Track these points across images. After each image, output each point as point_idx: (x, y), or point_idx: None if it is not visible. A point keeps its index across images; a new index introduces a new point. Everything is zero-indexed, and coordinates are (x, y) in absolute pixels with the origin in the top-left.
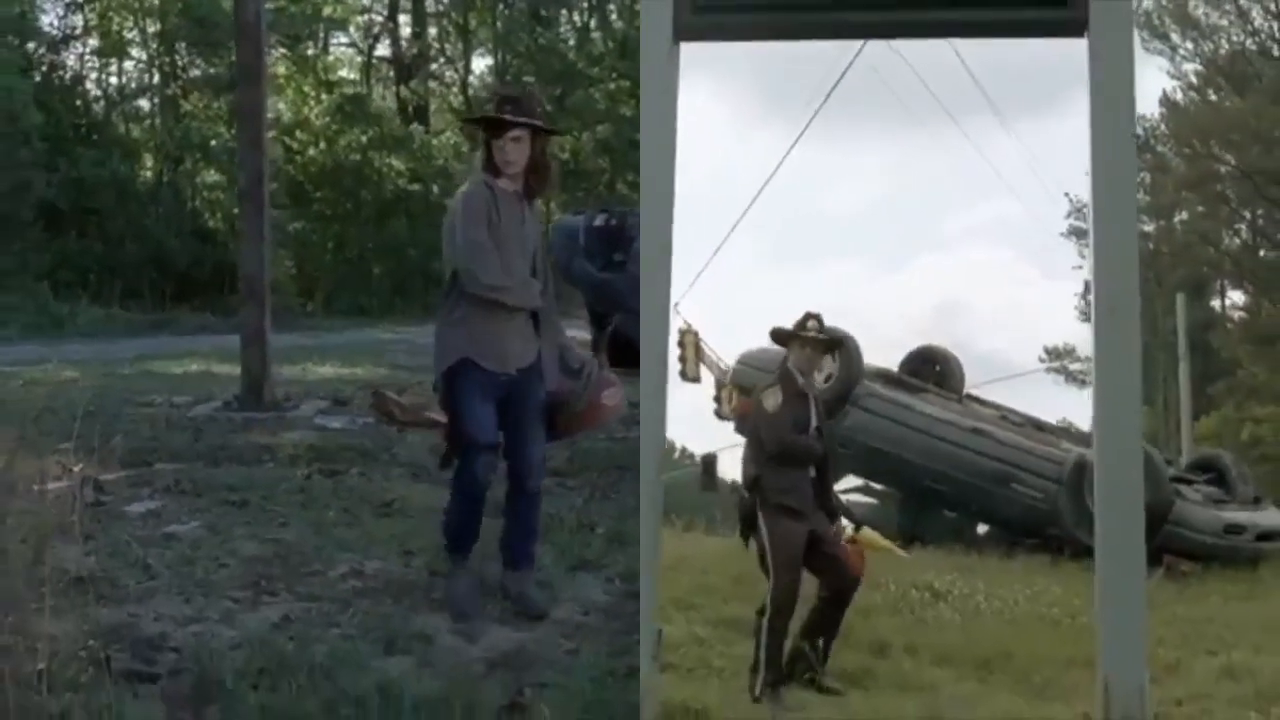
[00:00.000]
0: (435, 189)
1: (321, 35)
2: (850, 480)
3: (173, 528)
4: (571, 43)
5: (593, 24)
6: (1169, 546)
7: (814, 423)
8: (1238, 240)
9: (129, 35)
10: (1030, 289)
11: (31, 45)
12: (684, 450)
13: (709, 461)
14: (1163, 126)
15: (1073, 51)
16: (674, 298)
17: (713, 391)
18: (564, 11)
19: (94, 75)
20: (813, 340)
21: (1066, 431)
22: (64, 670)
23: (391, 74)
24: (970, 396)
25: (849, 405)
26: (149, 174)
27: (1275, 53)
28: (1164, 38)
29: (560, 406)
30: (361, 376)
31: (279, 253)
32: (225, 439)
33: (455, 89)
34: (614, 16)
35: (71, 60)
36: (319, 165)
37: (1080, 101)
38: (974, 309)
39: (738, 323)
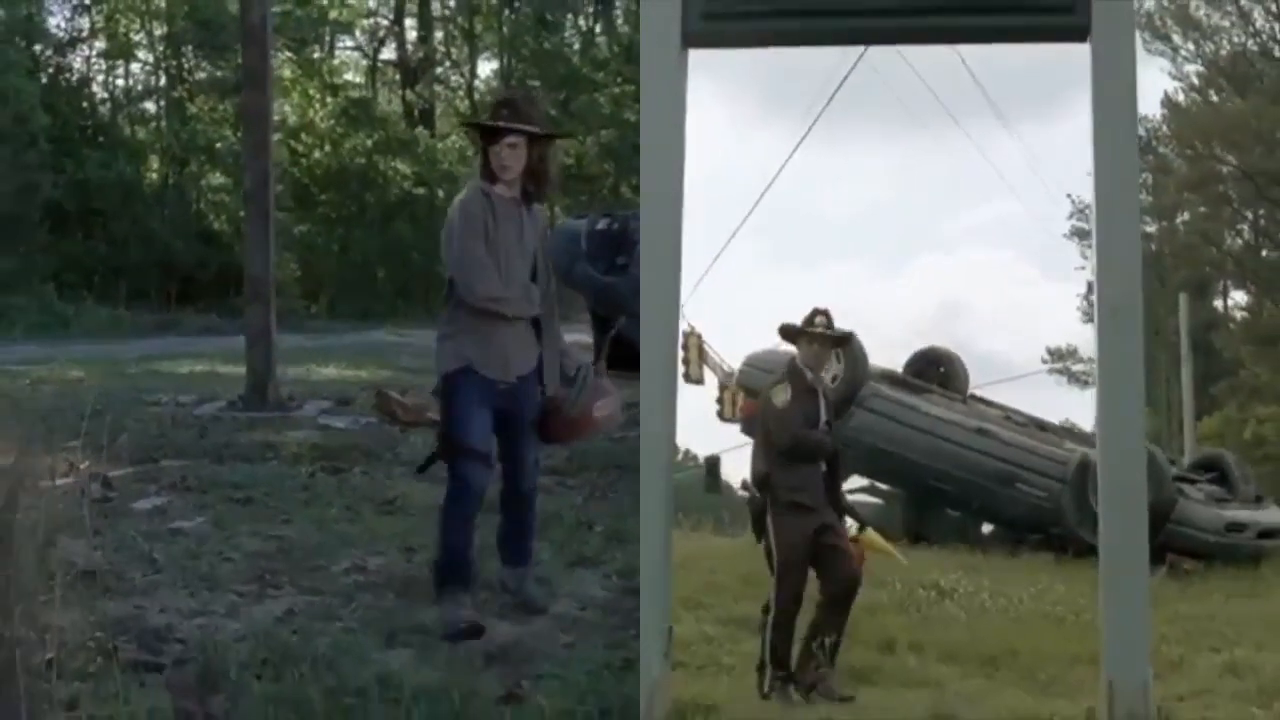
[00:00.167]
0: (440, 193)
1: (327, 39)
2: (856, 480)
3: (178, 523)
4: (576, 47)
5: (598, 29)
6: (1172, 545)
7: (824, 418)
8: (1240, 241)
9: (136, 38)
10: (1032, 290)
11: (39, 47)
12: (687, 452)
13: (713, 463)
14: (1164, 127)
15: (1074, 53)
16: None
17: (715, 393)
18: (569, 16)
19: (100, 77)
20: (820, 336)
21: (1070, 432)
22: (72, 660)
23: (397, 78)
24: (974, 397)
25: (854, 406)
26: (155, 176)
27: (1277, 53)
28: (1165, 39)
29: (552, 413)
30: (365, 378)
31: (284, 255)
32: (230, 437)
33: (461, 93)
34: (619, 21)
35: (78, 62)
36: (324, 168)
37: (1082, 102)
38: (976, 310)
39: (740, 324)
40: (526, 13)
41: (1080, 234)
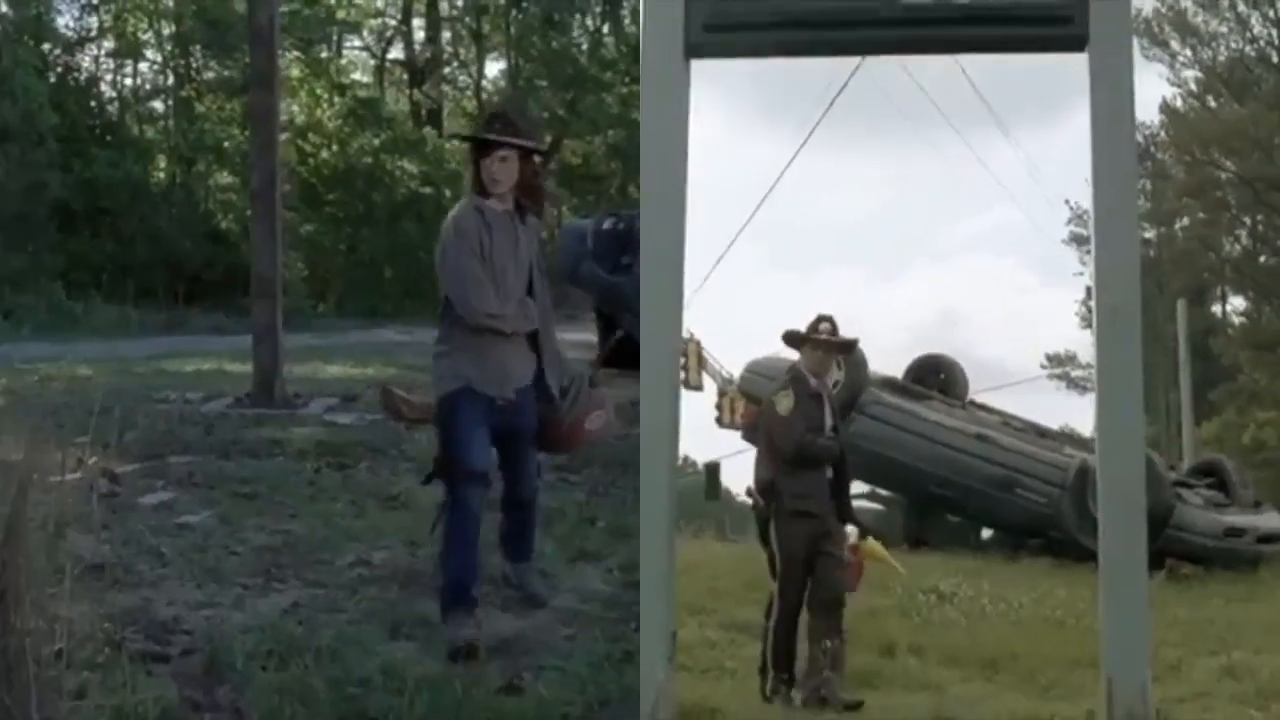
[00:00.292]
0: (447, 193)
1: (335, 38)
2: (857, 486)
3: (185, 518)
4: (584, 47)
5: (605, 29)
6: (1171, 550)
7: (829, 424)
8: (1238, 246)
9: (144, 37)
10: (1031, 296)
11: (47, 46)
12: (686, 459)
13: (712, 469)
14: (1163, 134)
15: (1072, 60)
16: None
17: (714, 400)
18: (577, 16)
19: (109, 77)
20: (826, 343)
21: (1069, 437)
22: (80, 650)
23: (405, 78)
24: (974, 403)
25: (855, 412)
26: (162, 175)
27: (1274, 60)
28: (1163, 45)
29: (545, 425)
30: (371, 376)
31: (291, 254)
32: (237, 434)
33: (468, 93)
34: (627, 22)
35: (87, 62)
36: (331, 168)
37: (1080, 108)
38: (975, 316)
39: (739, 330)
40: (534, 13)
41: (1079, 240)
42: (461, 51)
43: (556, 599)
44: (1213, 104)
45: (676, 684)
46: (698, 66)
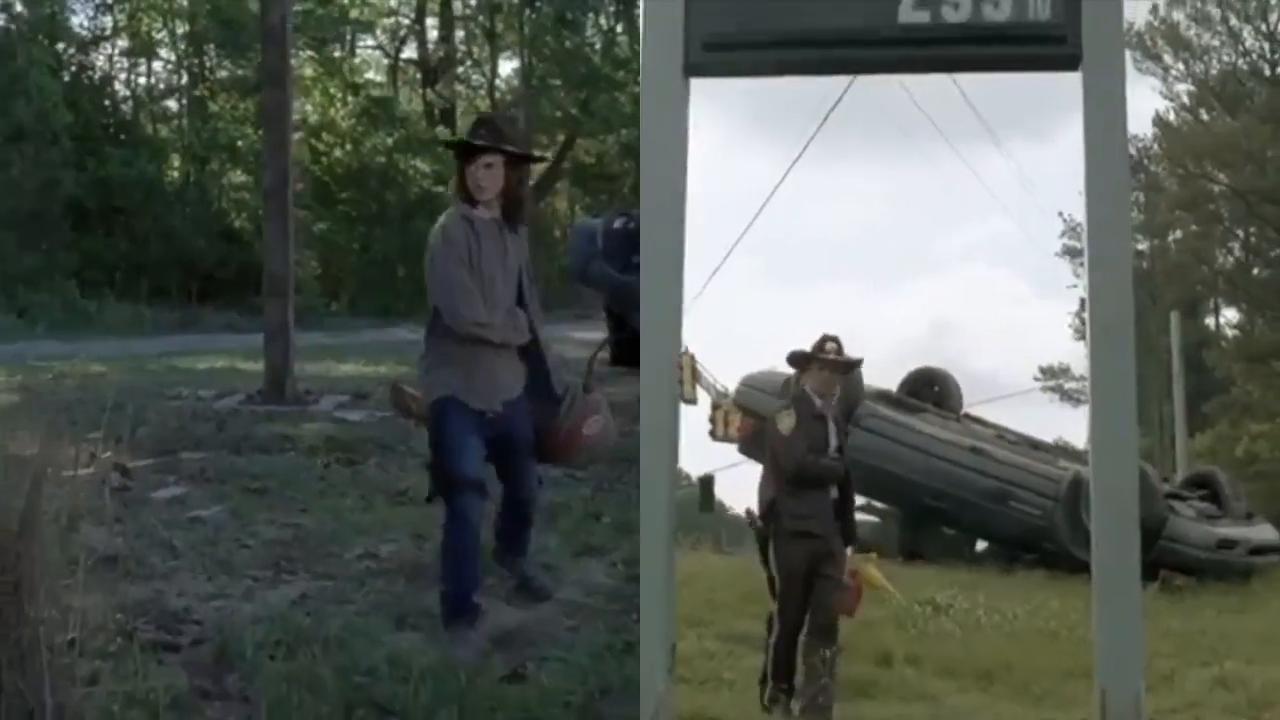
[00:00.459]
0: None
1: (348, 38)
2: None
3: (197, 512)
4: (597, 46)
5: (619, 28)
6: (1164, 561)
7: (833, 444)
8: (1231, 259)
9: (158, 36)
10: (1025, 308)
11: (62, 45)
12: (680, 471)
13: (706, 482)
14: (1156, 147)
15: (1065, 74)
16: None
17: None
18: (590, 15)
19: (123, 76)
20: (832, 363)
21: (1062, 450)
22: (93, 639)
23: (418, 77)
24: (968, 416)
25: (850, 425)
26: (176, 174)
27: (1266, 73)
28: (1156, 59)
29: (542, 434)
30: (383, 374)
31: (305, 253)
32: (248, 430)
33: (482, 92)
34: (640, 21)
35: (101, 61)
36: (345, 167)
37: (1072, 121)
38: (969, 329)
39: (734, 343)
40: (547, 12)
41: (1072, 252)
42: (475, 51)
43: (561, 591)
44: (1205, 117)
45: (676, 695)
46: (696, 82)
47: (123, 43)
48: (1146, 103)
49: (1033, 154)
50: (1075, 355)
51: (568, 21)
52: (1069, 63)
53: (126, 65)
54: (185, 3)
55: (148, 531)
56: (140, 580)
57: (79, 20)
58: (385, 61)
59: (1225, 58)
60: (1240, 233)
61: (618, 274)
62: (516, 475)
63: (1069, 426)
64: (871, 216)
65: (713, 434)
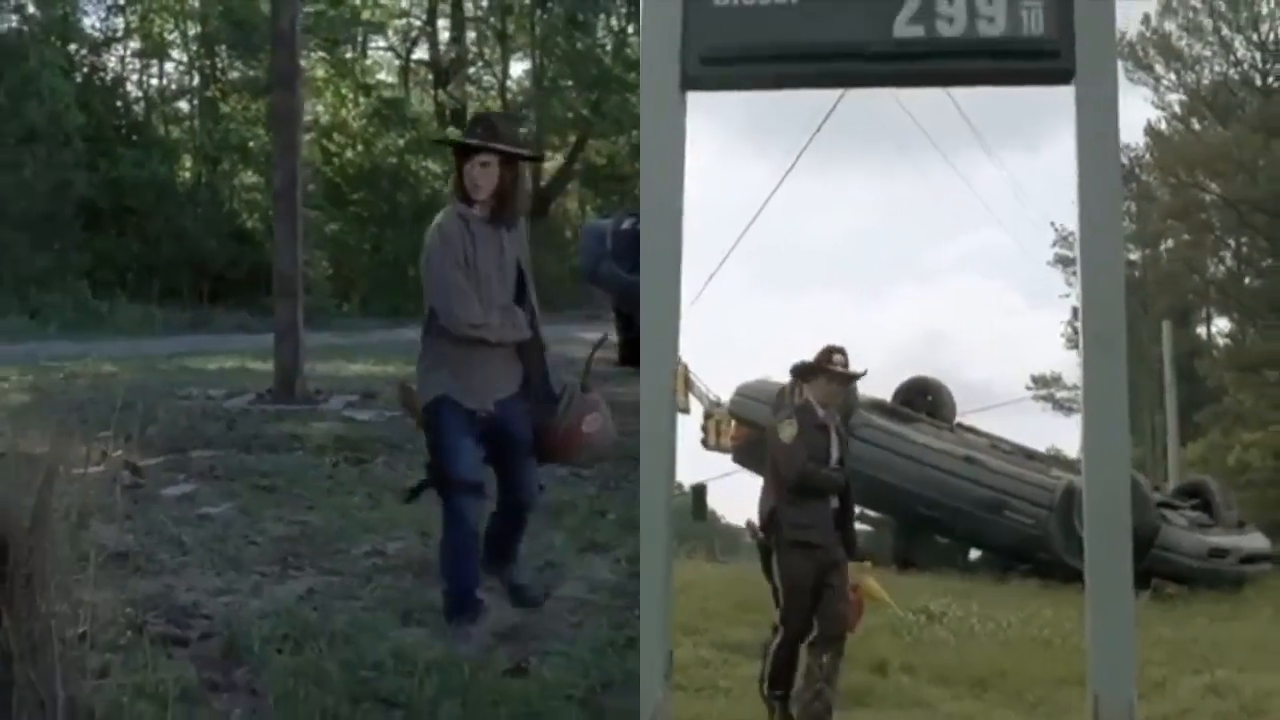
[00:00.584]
0: None
1: (360, 39)
2: None
3: (206, 509)
4: (608, 48)
5: (630, 30)
6: (1156, 570)
7: (835, 455)
8: (1223, 268)
9: (170, 38)
10: (1016, 317)
11: (74, 47)
12: None
13: (699, 491)
14: (1148, 156)
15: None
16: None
17: (700, 422)
18: (601, 17)
19: (135, 77)
20: (841, 374)
21: (1055, 459)
22: (104, 633)
23: (429, 78)
24: (962, 426)
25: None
26: (188, 175)
27: (1258, 83)
28: (1148, 68)
29: (541, 433)
30: (392, 374)
31: (316, 254)
32: (258, 429)
33: (493, 93)
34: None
35: (113, 62)
36: (356, 167)
37: (1064, 131)
38: (961, 338)
39: (726, 352)
40: (558, 13)
41: (1064, 261)
42: (486, 52)
43: (565, 588)
44: (1197, 127)
45: (672, 702)
46: (692, 94)
47: (135, 44)
48: (1138, 112)
49: (1024, 164)
50: (1067, 364)
51: (579, 23)
52: (1062, 77)
53: (138, 66)
54: (197, 4)
55: (158, 528)
56: (150, 575)
57: (91, 22)
58: (397, 63)
59: (1217, 68)
60: (1232, 242)
61: (626, 274)
62: (514, 475)
63: (1061, 435)
64: (864, 225)
65: (705, 443)
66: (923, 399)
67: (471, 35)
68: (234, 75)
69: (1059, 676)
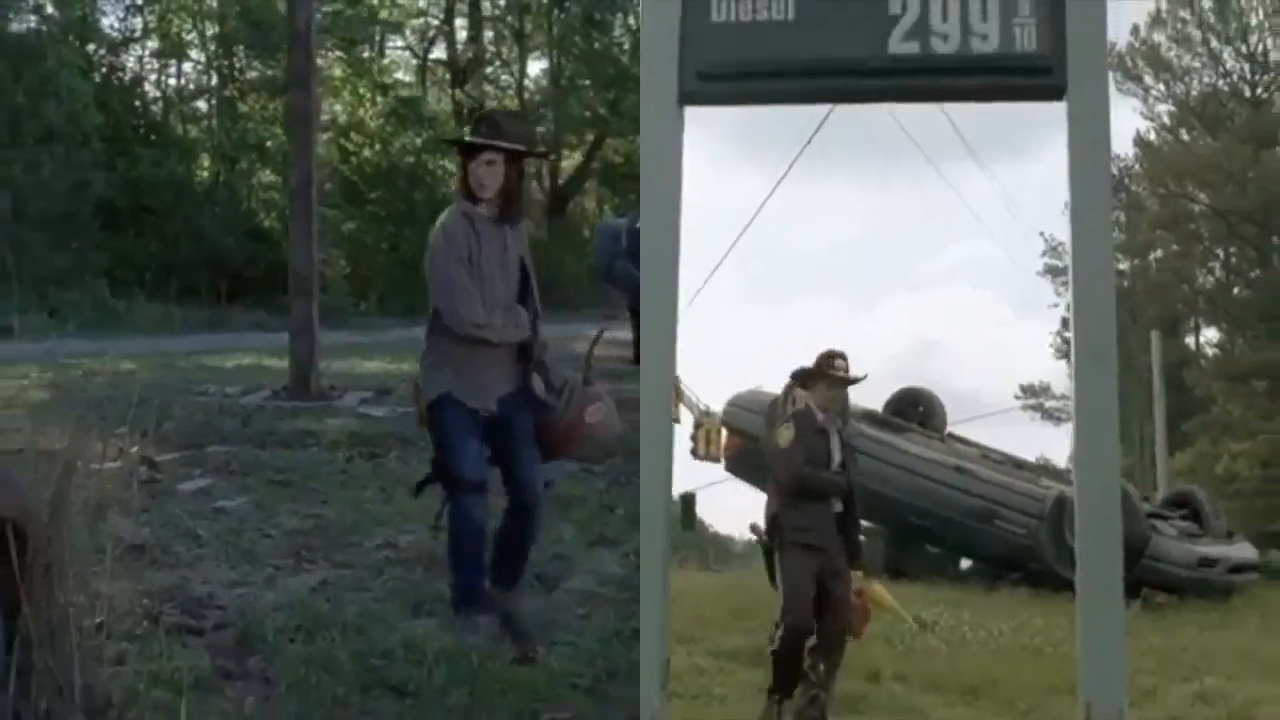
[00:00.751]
0: None
1: (377, 38)
2: None
3: (222, 503)
4: (626, 46)
5: None
6: (1146, 579)
7: (836, 459)
8: (1211, 278)
9: (188, 38)
10: (1006, 327)
11: (92, 47)
12: None
13: (688, 500)
14: (1137, 166)
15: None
16: None
17: (689, 431)
18: (618, 16)
19: (153, 77)
20: (843, 379)
21: (1045, 469)
22: (120, 623)
23: (447, 77)
24: (953, 436)
25: None
26: (206, 174)
27: (1246, 94)
28: (1137, 79)
29: (545, 429)
30: (407, 371)
31: (333, 253)
32: (273, 425)
33: (510, 92)
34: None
35: (131, 62)
36: (374, 167)
37: (1052, 141)
38: (951, 347)
39: (716, 360)
40: (576, 12)
41: (1054, 271)
42: (504, 51)
43: (573, 580)
44: (1186, 137)
45: (669, 711)
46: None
47: (153, 44)
48: (1128, 123)
49: (1014, 174)
50: (1056, 374)
51: (596, 22)
52: (1054, 93)
53: (156, 66)
54: (215, 4)
55: (174, 521)
56: (166, 568)
57: (109, 22)
58: (414, 62)
59: (1206, 79)
60: (1220, 252)
61: (639, 273)
62: (517, 474)
63: (1050, 444)
64: (855, 235)
65: (694, 452)
66: (914, 409)
67: (489, 34)
68: (252, 75)
69: (1050, 684)
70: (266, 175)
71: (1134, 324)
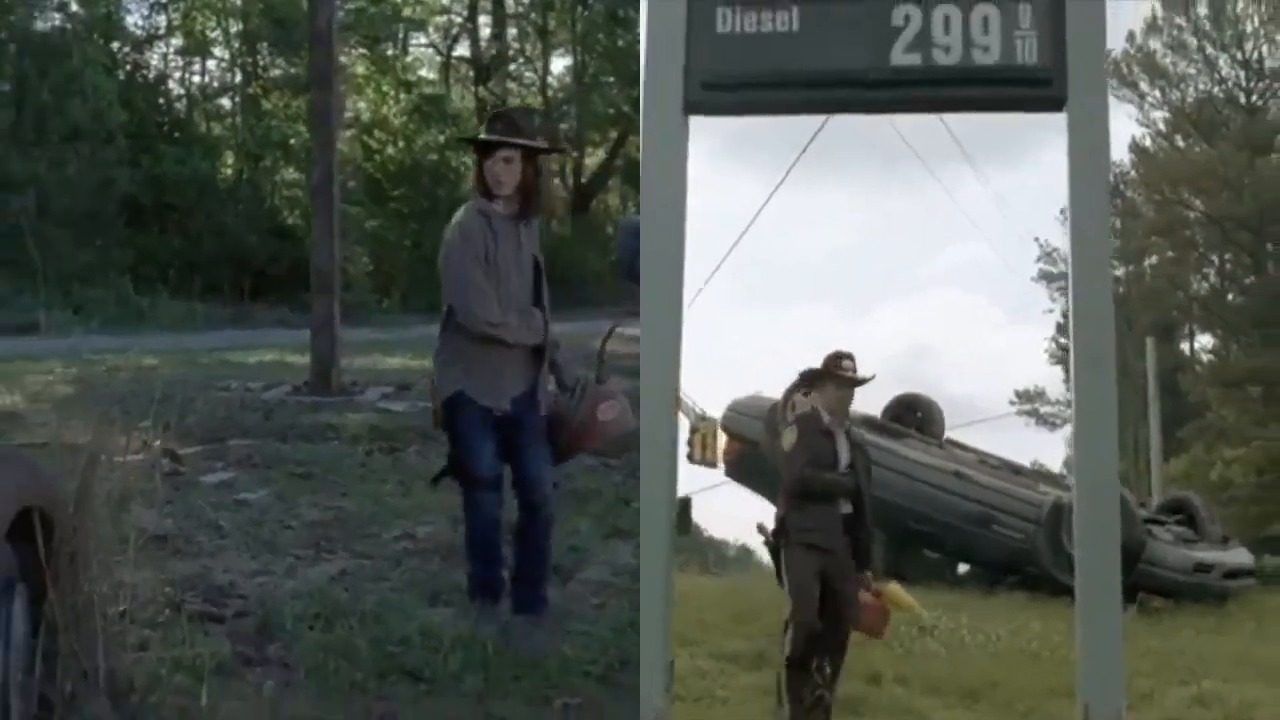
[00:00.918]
0: None
1: (401, 35)
2: None
3: (243, 495)
4: None
5: None
6: (1143, 584)
7: (844, 460)
8: (1206, 284)
9: (212, 35)
10: (1000, 333)
11: (116, 44)
12: None
13: (683, 504)
14: (1133, 173)
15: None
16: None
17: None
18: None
19: (177, 74)
20: (847, 379)
21: (1042, 474)
22: (143, 611)
23: (470, 74)
24: (951, 441)
25: None
26: (229, 171)
27: (1242, 101)
28: (1133, 86)
29: (559, 426)
30: (429, 367)
31: (356, 250)
32: (294, 419)
33: (534, 89)
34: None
35: (155, 60)
36: (397, 164)
37: (1048, 146)
38: (945, 352)
39: (712, 365)
40: (599, 9)
41: (1048, 277)
42: (527, 48)
43: (589, 571)
44: (1181, 144)
45: (672, 712)
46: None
47: (177, 41)
48: (1123, 129)
49: (1008, 179)
50: (1051, 379)
51: (620, 19)
52: (1054, 104)
53: (181, 64)
54: (239, 1)
55: (196, 513)
56: (189, 557)
57: (134, 20)
58: (438, 59)
59: (1201, 85)
60: (1215, 258)
61: None
62: (526, 472)
63: (1044, 449)
64: (850, 240)
65: (690, 457)
66: (912, 415)
67: (512, 32)
68: (275, 72)
69: (1048, 687)
70: (290, 173)
71: (1129, 330)
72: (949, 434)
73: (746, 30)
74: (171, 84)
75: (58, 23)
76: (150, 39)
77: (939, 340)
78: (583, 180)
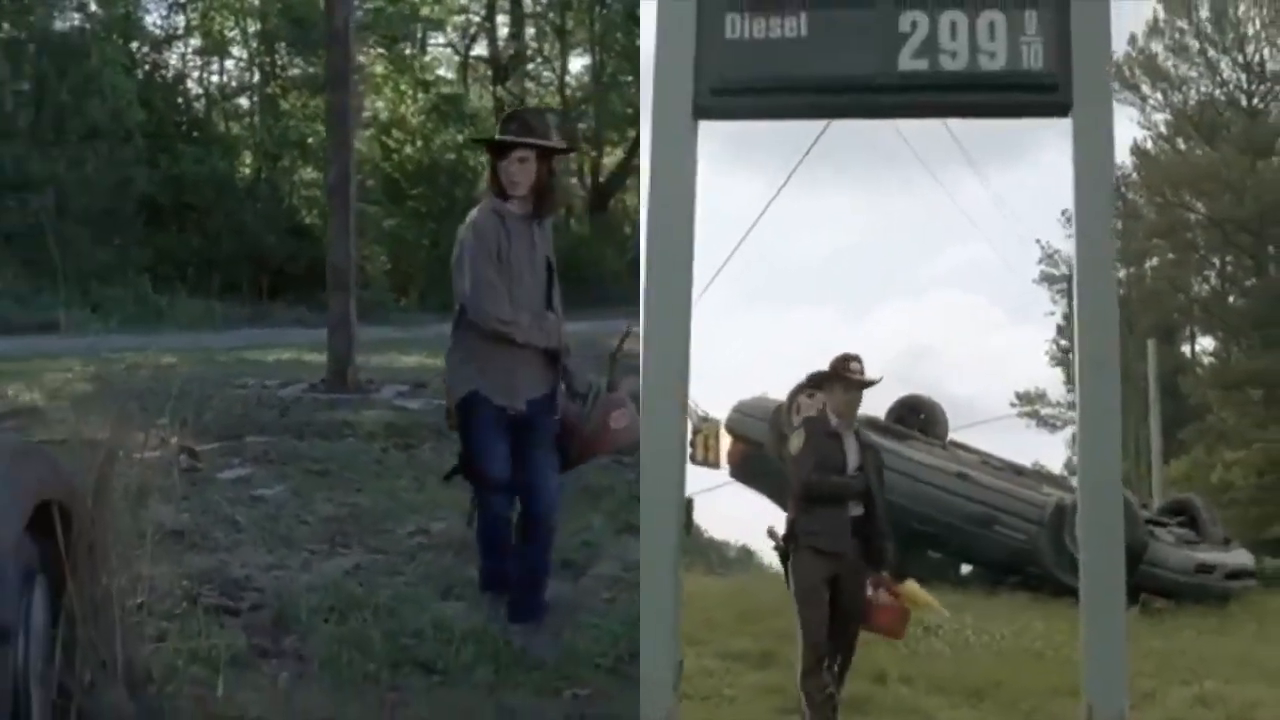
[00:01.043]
0: None
1: (419, 35)
2: None
3: (260, 491)
4: None
5: None
6: (1145, 585)
7: (853, 462)
8: (1207, 287)
9: (230, 35)
10: (1001, 334)
11: (135, 44)
12: None
13: (685, 505)
14: (1134, 175)
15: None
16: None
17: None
18: None
19: (195, 74)
20: (855, 381)
21: (1045, 475)
22: (160, 603)
23: (488, 74)
24: (954, 443)
25: None
26: (248, 171)
27: (1243, 103)
28: (1134, 88)
29: (570, 433)
30: (444, 365)
31: (374, 249)
32: (310, 417)
33: (552, 89)
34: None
35: (174, 59)
36: (415, 163)
37: (1049, 149)
38: (946, 354)
39: (714, 367)
40: (617, 9)
41: (1049, 279)
42: (545, 47)
43: (600, 566)
44: (1183, 146)
45: (680, 711)
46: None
47: (195, 41)
48: (1125, 132)
49: (1009, 179)
50: (1051, 381)
51: (638, 18)
52: (1060, 110)
53: (199, 63)
54: (257, 1)
55: (213, 508)
56: (205, 552)
57: (152, 19)
58: (456, 59)
59: (1203, 88)
60: (1216, 261)
61: None
62: (528, 476)
63: (1045, 451)
64: (849, 241)
65: (692, 458)
66: (915, 417)
67: (530, 31)
68: (294, 72)
69: (1052, 686)
70: (308, 172)
71: (1130, 332)
72: (951, 435)
73: (755, 36)
74: (190, 83)
75: (77, 23)
76: (169, 39)
77: (940, 341)
78: (601, 179)
